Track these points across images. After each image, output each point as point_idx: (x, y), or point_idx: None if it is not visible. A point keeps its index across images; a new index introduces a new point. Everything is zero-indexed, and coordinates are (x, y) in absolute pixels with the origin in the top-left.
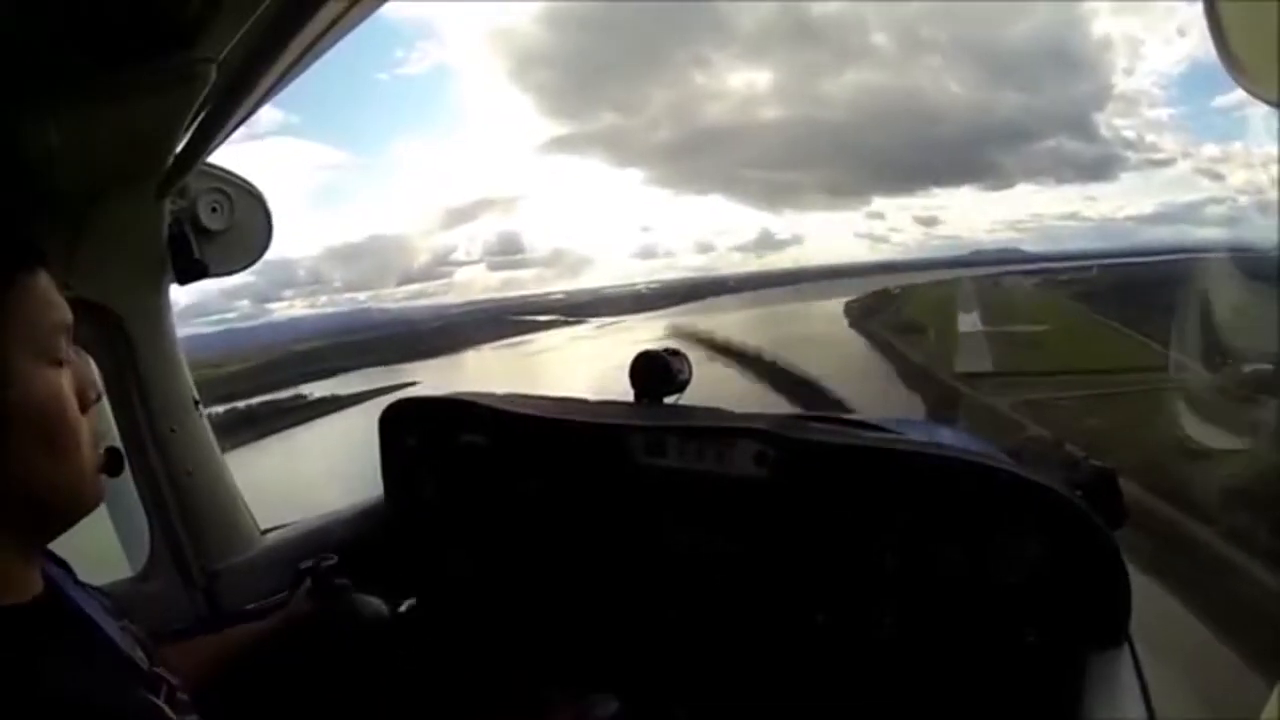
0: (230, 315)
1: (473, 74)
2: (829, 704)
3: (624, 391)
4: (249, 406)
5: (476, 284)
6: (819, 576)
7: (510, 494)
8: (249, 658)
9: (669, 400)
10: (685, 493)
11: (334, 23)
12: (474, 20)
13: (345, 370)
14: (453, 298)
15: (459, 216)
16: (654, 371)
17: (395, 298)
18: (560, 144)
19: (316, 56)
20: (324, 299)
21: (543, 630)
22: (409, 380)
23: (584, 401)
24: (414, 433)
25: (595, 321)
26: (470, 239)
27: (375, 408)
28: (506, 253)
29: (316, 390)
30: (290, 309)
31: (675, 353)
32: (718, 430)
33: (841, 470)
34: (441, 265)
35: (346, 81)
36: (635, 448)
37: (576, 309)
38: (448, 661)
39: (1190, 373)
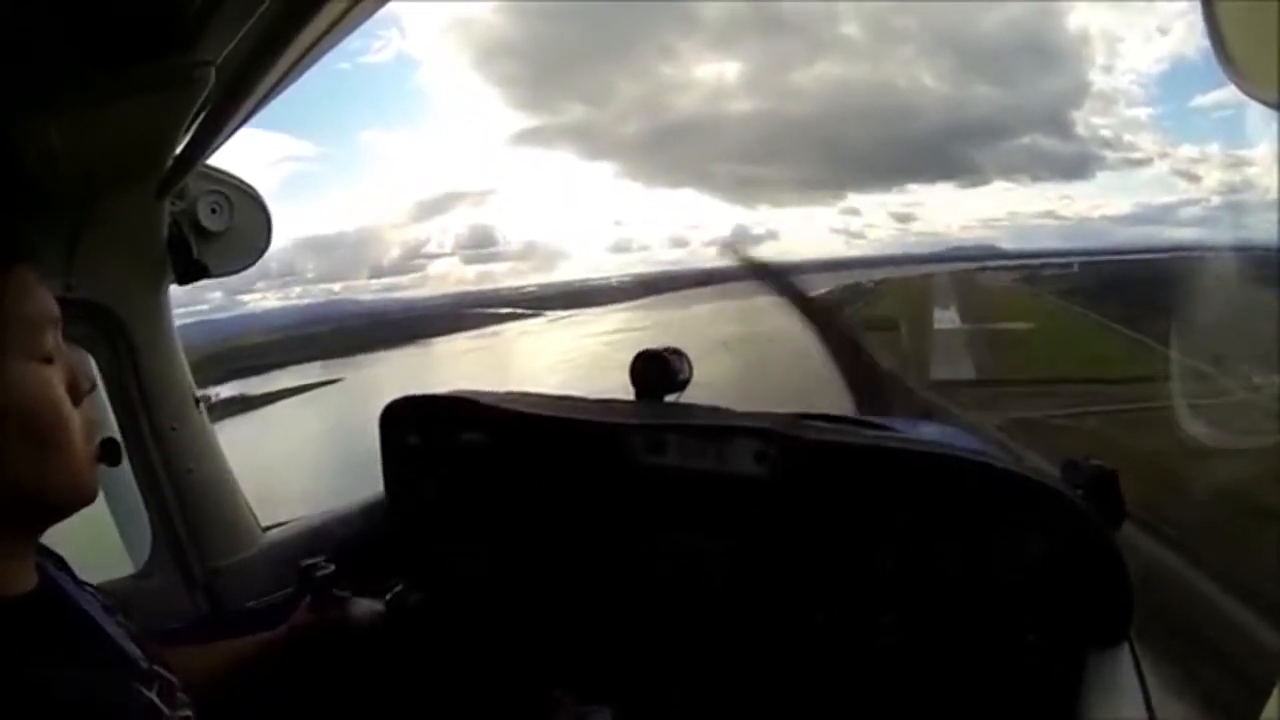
0: (203, 307)
1: (436, 64)
2: (828, 703)
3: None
4: None
5: (451, 277)
6: (819, 575)
7: (511, 492)
8: (253, 668)
9: (669, 398)
10: (685, 491)
11: (333, 24)
12: (434, 9)
13: (280, 366)
14: (426, 290)
15: (429, 209)
16: (654, 370)
17: (370, 289)
18: (529, 136)
19: (316, 59)
20: (298, 290)
21: (543, 629)
22: (331, 378)
23: (585, 400)
24: (415, 431)
25: (549, 315)
26: (442, 231)
27: (279, 410)
28: (479, 246)
29: (224, 390)
30: (263, 301)
31: (676, 351)
32: (718, 429)
33: (842, 469)
34: (414, 258)
35: (307, 72)
36: (636, 446)
37: (548, 301)
38: (447, 660)
39: (1214, 385)
